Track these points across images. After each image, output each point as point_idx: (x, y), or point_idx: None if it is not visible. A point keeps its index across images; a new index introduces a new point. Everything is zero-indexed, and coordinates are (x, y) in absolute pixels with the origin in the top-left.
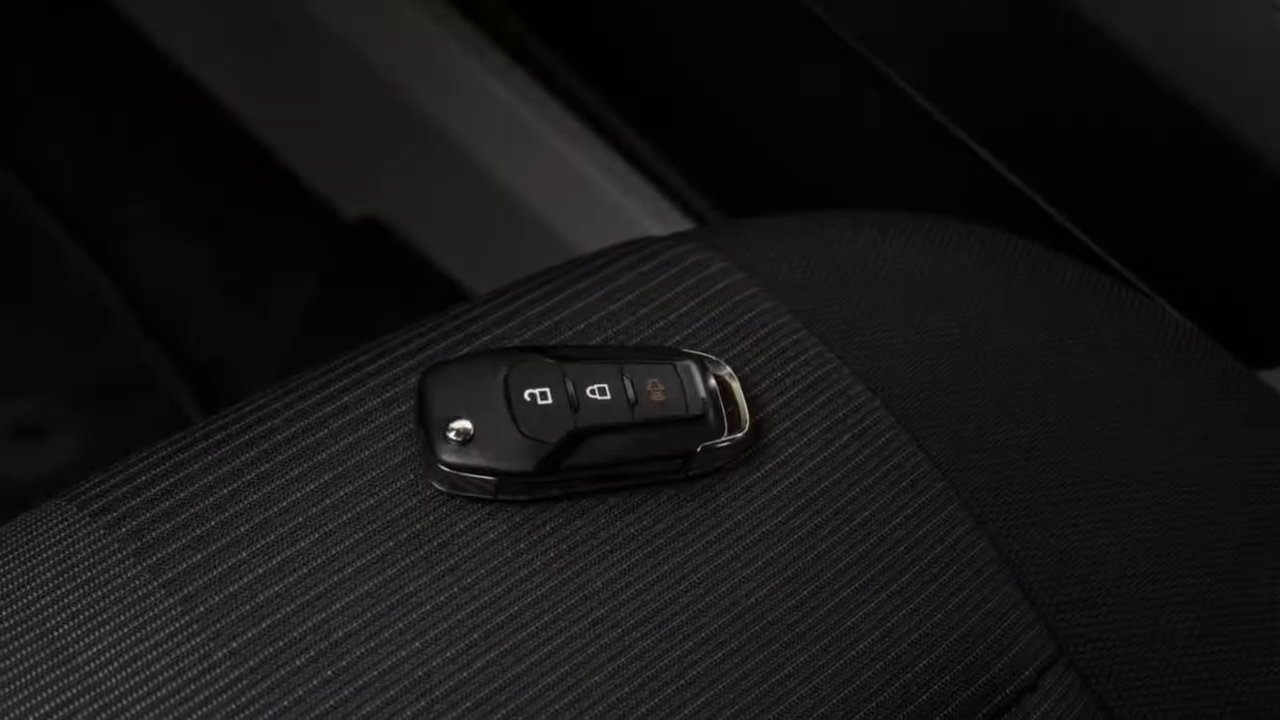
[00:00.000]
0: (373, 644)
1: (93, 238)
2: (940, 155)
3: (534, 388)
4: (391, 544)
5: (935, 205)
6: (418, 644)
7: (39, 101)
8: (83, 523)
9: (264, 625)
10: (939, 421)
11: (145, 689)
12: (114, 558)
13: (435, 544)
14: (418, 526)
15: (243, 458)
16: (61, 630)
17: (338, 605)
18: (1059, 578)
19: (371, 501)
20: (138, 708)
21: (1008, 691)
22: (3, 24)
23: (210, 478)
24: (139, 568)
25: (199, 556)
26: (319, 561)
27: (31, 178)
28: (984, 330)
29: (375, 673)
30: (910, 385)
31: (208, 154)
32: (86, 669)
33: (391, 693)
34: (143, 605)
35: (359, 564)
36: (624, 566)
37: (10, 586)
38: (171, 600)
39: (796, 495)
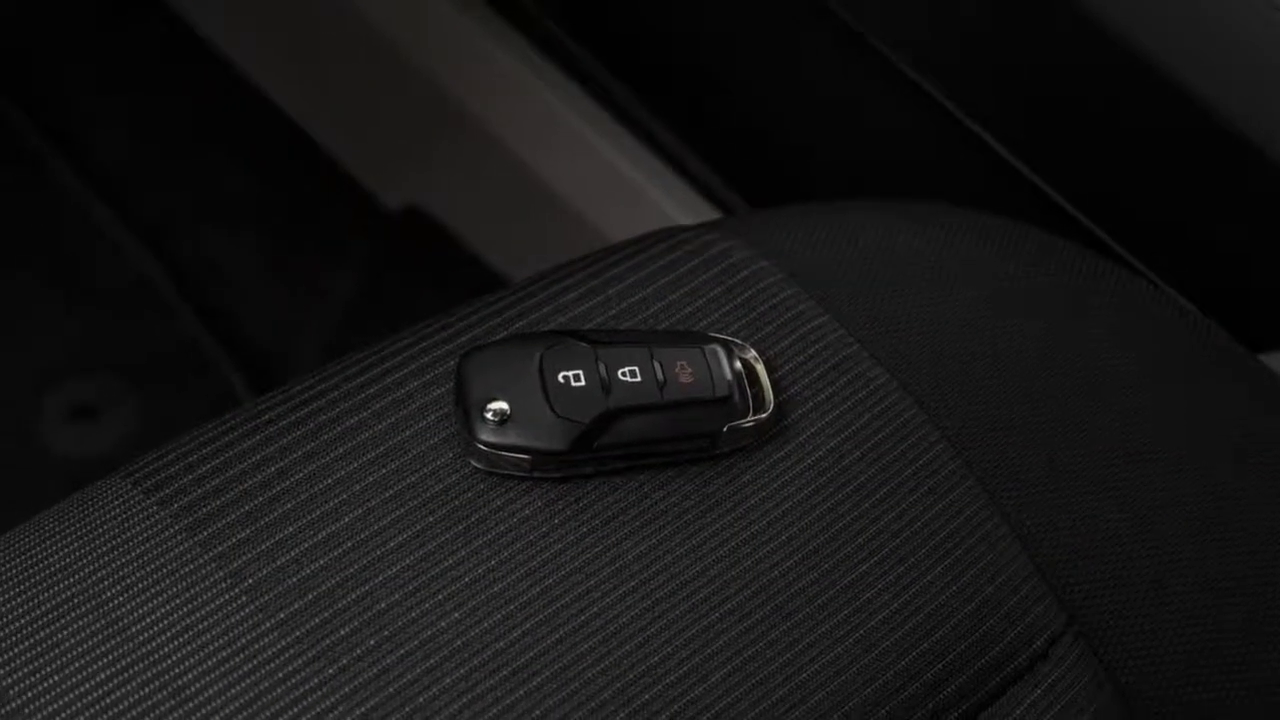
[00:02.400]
0: (414, 614)
1: (147, 226)
2: (956, 148)
3: (567, 370)
4: (432, 519)
5: (951, 195)
6: (457, 614)
7: (95, 96)
8: (137, 499)
9: (310, 597)
10: (955, 403)
11: (196, 658)
12: (166, 532)
13: (474, 519)
14: (457, 502)
15: (289, 437)
16: (117, 602)
17: (380, 578)
18: (1069, 552)
19: (413, 479)
20: (189, 676)
21: (1020, 660)
22: (61, 23)
23: (258, 456)
24: (190, 542)
25: (248, 531)
26: (362, 536)
27: (90, 169)
28: (998, 314)
29: (416, 642)
30: (927, 369)
31: (257, 147)
32: (140, 639)
33: (432, 661)
34: (194, 578)
35: (401, 538)
36: (654, 540)
37: (68, 560)
38: (222, 573)
39: (818, 473)
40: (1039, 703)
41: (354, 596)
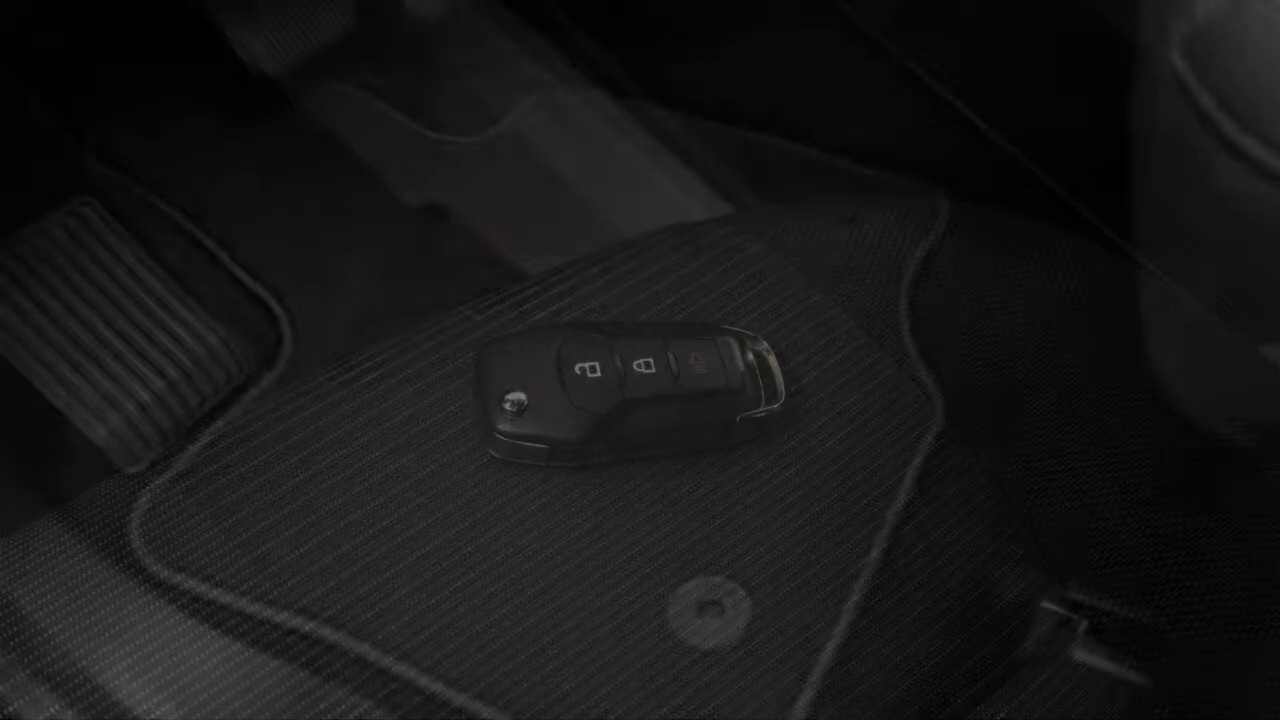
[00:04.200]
0: (433, 600)
1: (175, 221)
2: (965, 145)
3: (584, 362)
4: (451, 508)
5: (959, 191)
6: (476, 600)
7: (125, 94)
8: (164, 487)
9: (331, 584)
10: (962, 394)
11: (223, 640)
12: (193, 519)
13: (492, 507)
14: (475, 491)
15: (312, 428)
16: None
17: (400, 565)
18: (1075, 539)
19: (432, 468)
20: (215, 658)
21: (1028, 643)
22: (93, 24)
23: (281, 446)
24: (216, 529)
25: (272, 519)
26: (383, 524)
27: (116, 166)
28: (1005, 307)
29: (435, 628)
30: (936, 359)
31: (277, 143)
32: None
33: (451, 646)
34: (221, 564)
35: (420, 526)
36: (669, 528)
37: (101, 542)
38: (246, 559)
39: (829, 461)
40: (1046, 685)
41: (374, 584)
